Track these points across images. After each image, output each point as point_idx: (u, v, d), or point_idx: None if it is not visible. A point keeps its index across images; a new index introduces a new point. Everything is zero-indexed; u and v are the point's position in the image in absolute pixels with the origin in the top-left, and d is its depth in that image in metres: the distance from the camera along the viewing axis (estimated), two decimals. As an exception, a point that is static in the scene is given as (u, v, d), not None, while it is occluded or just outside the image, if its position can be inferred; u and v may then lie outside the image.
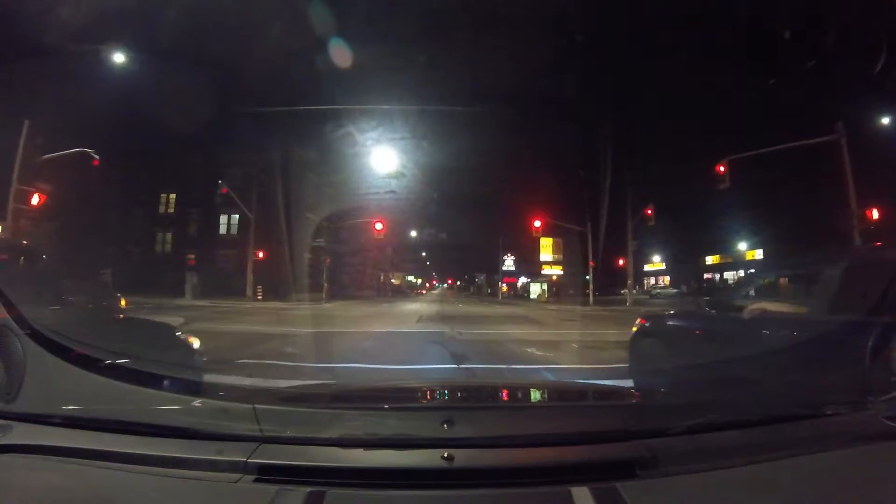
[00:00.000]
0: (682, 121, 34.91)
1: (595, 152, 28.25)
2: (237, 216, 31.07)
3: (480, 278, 79.14)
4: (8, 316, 2.14)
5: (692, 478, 1.06)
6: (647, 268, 61.40)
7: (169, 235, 35.02)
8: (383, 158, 29.18)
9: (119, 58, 19.73)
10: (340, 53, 19.09)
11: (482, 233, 71.24)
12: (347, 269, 44.45)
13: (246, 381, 4.55)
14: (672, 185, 37.04)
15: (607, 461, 1.09)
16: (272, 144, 29.23)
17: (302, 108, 28.28)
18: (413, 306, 27.76)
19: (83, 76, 22.23)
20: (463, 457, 1.05)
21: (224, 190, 23.46)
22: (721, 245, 48.88)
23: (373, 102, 27.82)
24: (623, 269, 55.19)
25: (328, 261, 27.48)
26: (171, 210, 35.26)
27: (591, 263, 28.70)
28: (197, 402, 1.62)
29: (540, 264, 45.02)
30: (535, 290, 43.07)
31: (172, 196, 35.19)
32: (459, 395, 2.15)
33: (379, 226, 26.86)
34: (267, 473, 1.04)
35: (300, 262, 29.33)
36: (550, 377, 5.52)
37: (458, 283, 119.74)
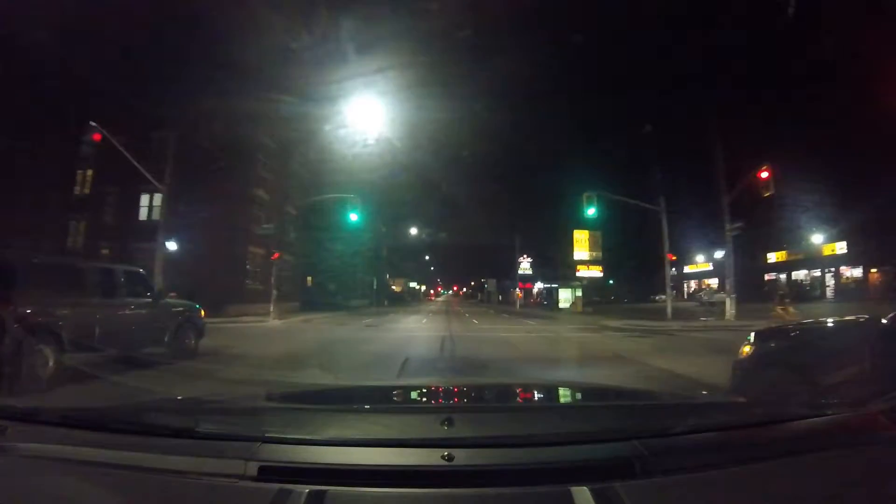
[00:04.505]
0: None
1: (661, 107, 19.50)
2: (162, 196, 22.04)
3: (490, 284, 70.08)
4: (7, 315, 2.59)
5: (692, 478, 1.03)
6: (687, 269, 52.26)
7: (83, 225, 26.10)
8: (369, 120, 20.50)
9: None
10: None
11: (493, 233, 63.44)
12: (327, 272, 35.50)
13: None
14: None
15: (607, 461, 1.06)
16: (210, 92, 20.31)
17: (257, 36, 19.64)
18: (408, 323, 18.94)
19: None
20: (463, 457, 1.04)
21: (97, 137, 14.36)
22: (788, 238, 39.18)
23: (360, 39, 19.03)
24: (658, 269, 46.27)
25: (276, 256, 18.44)
26: (88, 191, 26.36)
27: (670, 257, 19.73)
28: (198, 403, 1.73)
29: (572, 264, 35.54)
30: (565, 296, 33.61)
31: (90, 173, 26.32)
32: (459, 395, 2.14)
33: (354, 214, 17.79)
34: (267, 473, 1.02)
35: (243, 259, 20.42)
36: None
37: (465, 289, 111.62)
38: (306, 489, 0.95)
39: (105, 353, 5.86)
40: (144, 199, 23.19)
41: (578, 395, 2.17)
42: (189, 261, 18.96)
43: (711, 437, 1.21)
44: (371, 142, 21.85)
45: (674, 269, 56.16)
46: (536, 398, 2.10)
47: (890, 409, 1.27)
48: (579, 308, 29.65)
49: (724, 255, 19.64)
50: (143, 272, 7.43)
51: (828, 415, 1.35)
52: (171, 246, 18.99)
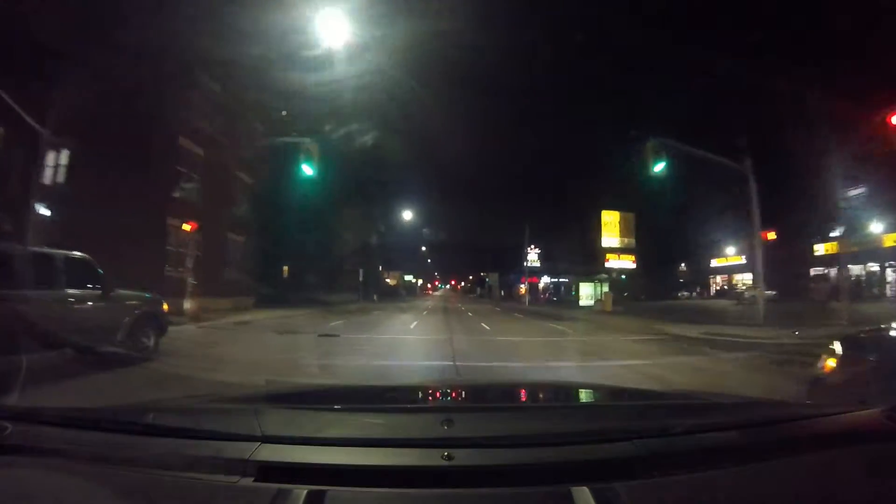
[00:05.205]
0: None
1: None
2: (70, 152, 16.08)
3: (492, 278, 64.51)
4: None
5: (692, 478, 1.03)
6: (715, 263, 46.76)
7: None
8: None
9: None
10: None
11: (495, 224, 58.35)
12: (303, 261, 29.76)
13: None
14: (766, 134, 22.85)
15: (607, 461, 1.06)
16: (124, 15, 14.37)
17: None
18: (391, 328, 13.44)
19: None
20: (463, 456, 1.03)
21: None
22: (839, 226, 33.36)
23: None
24: (673, 263, 39.45)
25: (193, 227, 12.69)
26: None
27: (764, 236, 14.34)
28: (197, 403, 1.73)
29: (596, 254, 29.58)
30: (587, 292, 27.82)
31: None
32: (459, 395, 2.13)
33: (308, 166, 11.94)
34: (267, 473, 1.01)
35: (160, 234, 14.60)
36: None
37: (463, 283, 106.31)
38: (306, 489, 0.95)
39: (40, 356, 4.96)
40: (51, 158, 17.33)
41: (578, 395, 2.13)
42: (88, 238, 13.17)
43: (711, 437, 1.19)
44: (352, 103, 16.15)
45: (682, 265, 50.86)
46: (536, 398, 2.09)
47: (890, 409, 1.25)
48: (608, 307, 23.90)
49: (841, 234, 13.90)
50: (90, 259, 6.22)
51: (828, 415, 1.33)
52: (71, 219, 13.29)
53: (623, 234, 29.17)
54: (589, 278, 28.68)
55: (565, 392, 2.25)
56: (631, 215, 28.05)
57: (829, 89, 17.04)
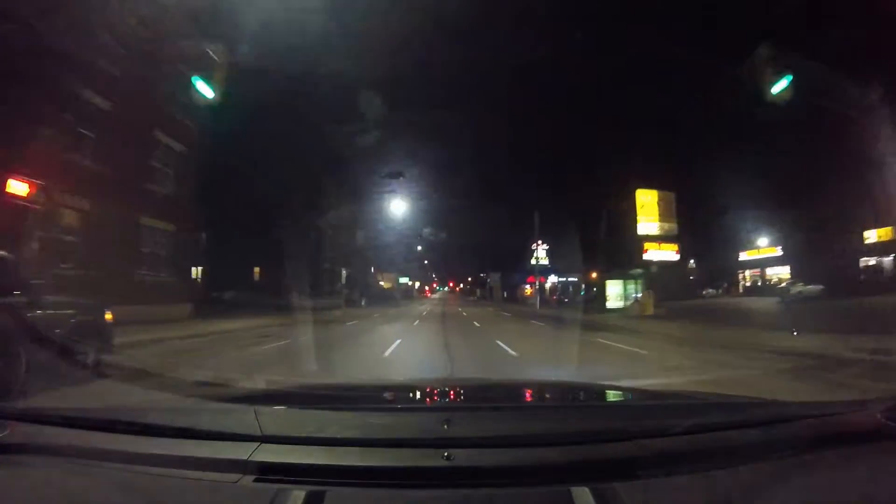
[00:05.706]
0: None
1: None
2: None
3: (493, 278, 59.94)
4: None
5: (692, 478, 1.03)
6: (745, 255, 42.00)
7: None
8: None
9: None
10: None
11: (497, 221, 54.02)
12: (271, 259, 25.00)
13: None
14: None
15: (607, 461, 1.06)
16: None
17: None
18: (341, 366, 9.16)
19: None
20: (463, 456, 1.03)
21: None
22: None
23: None
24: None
25: (32, 191, 7.97)
26: None
27: None
28: (197, 403, 1.77)
29: (625, 245, 24.64)
30: (615, 291, 23.10)
31: None
32: (459, 395, 2.10)
33: (206, 87, 7.17)
34: (267, 473, 1.01)
35: (47, 217, 9.80)
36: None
37: (461, 285, 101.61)
38: (306, 489, 0.94)
39: None
40: None
41: (578, 395, 2.11)
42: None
43: (711, 437, 1.18)
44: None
45: (691, 261, 45.97)
46: (536, 398, 2.05)
47: (889, 408, 1.25)
48: (649, 310, 19.16)
49: None
50: (11, 257, 5.15)
51: (828, 415, 1.33)
52: None
53: (663, 217, 24.32)
54: (615, 275, 23.95)
55: (565, 392, 2.22)
56: (671, 195, 23.28)
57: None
